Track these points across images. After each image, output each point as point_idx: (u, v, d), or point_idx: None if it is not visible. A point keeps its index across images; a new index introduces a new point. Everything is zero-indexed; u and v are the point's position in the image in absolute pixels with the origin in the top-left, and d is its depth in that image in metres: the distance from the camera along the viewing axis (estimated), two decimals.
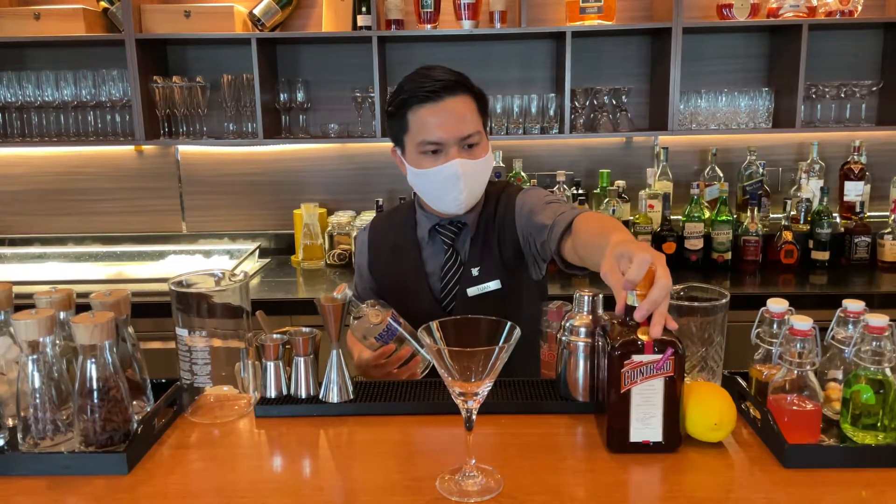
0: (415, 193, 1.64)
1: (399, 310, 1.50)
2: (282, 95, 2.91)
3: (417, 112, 1.45)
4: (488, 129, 1.55)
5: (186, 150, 3.05)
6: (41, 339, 1.10)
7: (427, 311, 1.55)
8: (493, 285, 1.57)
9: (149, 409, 1.25)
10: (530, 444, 1.18)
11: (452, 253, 1.60)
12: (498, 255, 1.58)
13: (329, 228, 2.88)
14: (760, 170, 2.84)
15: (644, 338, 1.09)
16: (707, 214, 2.76)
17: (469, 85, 1.49)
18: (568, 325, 1.29)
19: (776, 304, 1.24)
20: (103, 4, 2.78)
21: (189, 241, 3.08)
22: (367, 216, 2.82)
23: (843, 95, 2.84)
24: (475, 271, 1.57)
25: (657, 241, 2.71)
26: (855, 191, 2.83)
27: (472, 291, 1.56)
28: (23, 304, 1.21)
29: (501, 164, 2.88)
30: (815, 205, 2.75)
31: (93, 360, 1.09)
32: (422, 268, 1.62)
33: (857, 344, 1.12)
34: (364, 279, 1.73)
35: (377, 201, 2.62)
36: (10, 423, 1.19)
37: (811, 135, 2.91)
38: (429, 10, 2.71)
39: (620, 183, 2.88)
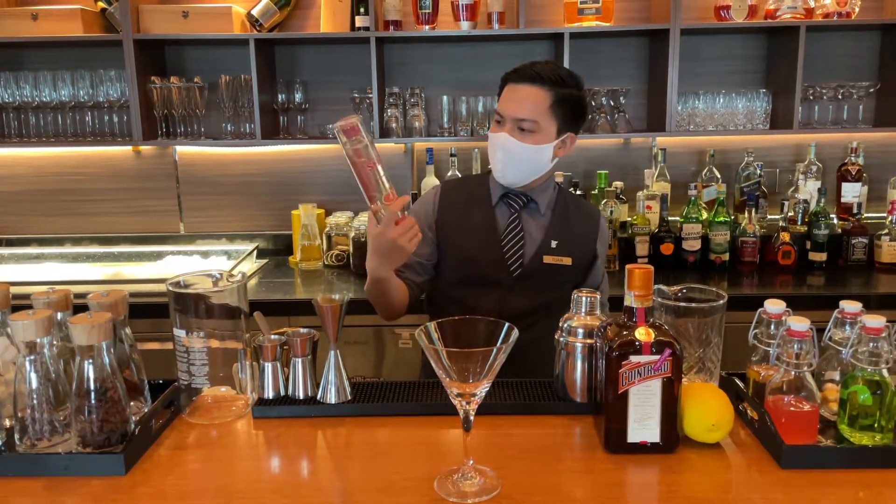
0: None
1: (467, 260, 1.72)
2: (280, 96, 2.91)
3: (507, 87, 1.71)
4: (556, 128, 1.71)
5: (184, 150, 3.05)
6: (38, 340, 1.09)
7: (497, 264, 1.71)
8: (566, 261, 1.76)
9: (146, 410, 1.25)
10: (528, 445, 1.18)
11: (517, 220, 1.76)
12: (575, 240, 1.79)
13: (327, 229, 2.87)
14: (758, 171, 2.84)
15: (642, 339, 1.10)
16: (705, 215, 2.76)
17: (553, 81, 1.66)
18: (566, 326, 1.30)
19: (773, 306, 1.25)
20: (101, 5, 2.78)
21: (187, 241, 3.08)
22: (365, 217, 2.82)
23: (840, 97, 2.84)
24: (554, 243, 1.76)
25: (655, 241, 2.72)
26: (852, 192, 2.84)
27: (547, 259, 1.74)
28: (20, 304, 1.21)
29: None
30: (813, 206, 2.75)
31: (90, 360, 1.09)
32: (492, 223, 1.77)
33: (855, 345, 1.12)
34: (424, 224, 1.76)
35: None
36: (8, 423, 1.19)
37: (809, 136, 2.91)
38: (427, 11, 2.71)
39: (618, 184, 2.88)
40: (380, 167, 1.41)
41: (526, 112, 1.66)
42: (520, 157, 1.69)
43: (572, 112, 1.71)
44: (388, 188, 1.43)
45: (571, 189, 2.85)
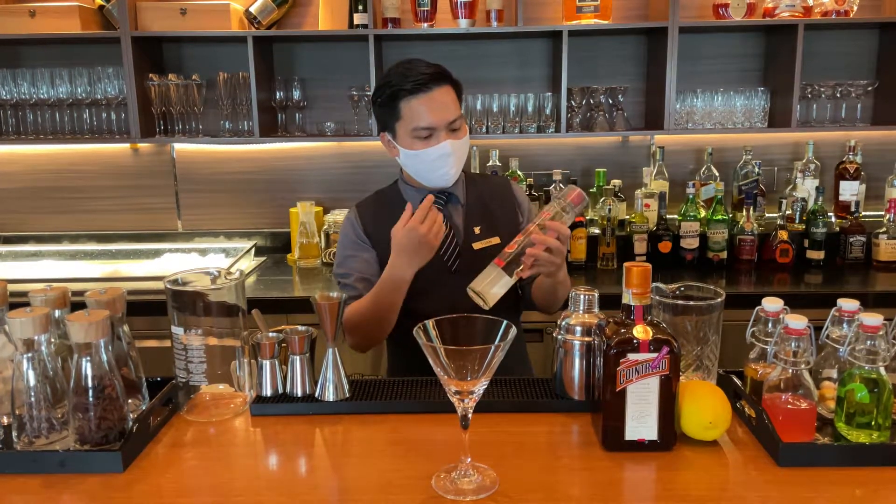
0: (400, 175, 1.82)
1: None
2: (278, 94, 2.90)
3: (409, 102, 1.63)
4: (467, 114, 1.74)
5: (182, 148, 3.04)
6: (36, 338, 1.09)
7: (435, 267, 1.67)
8: (494, 240, 1.75)
9: (144, 408, 1.25)
10: (526, 443, 1.18)
11: (444, 218, 1.71)
12: (496, 217, 1.79)
13: (325, 227, 2.87)
14: (756, 169, 2.84)
15: (640, 336, 1.10)
16: (703, 214, 2.76)
17: (449, 75, 1.67)
18: (563, 323, 1.30)
19: (771, 304, 1.25)
20: (99, 2, 2.77)
21: (185, 239, 3.08)
22: None
23: (838, 95, 2.85)
24: (477, 229, 1.76)
25: (653, 240, 2.72)
26: (850, 190, 2.84)
27: (477, 245, 1.75)
28: (18, 302, 1.20)
29: (498, 163, 2.87)
30: (811, 204, 2.76)
31: (88, 358, 1.09)
32: None
33: (852, 343, 1.12)
34: (363, 260, 1.75)
35: None
36: (5, 421, 1.19)
37: (807, 134, 2.91)
38: (425, 8, 2.71)
39: (616, 182, 2.88)
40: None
41: (454, 111, 1.65)
42: (461, 153, 1.70)
43: (461, 94, 1.72)
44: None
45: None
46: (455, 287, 1.57)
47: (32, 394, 1.11)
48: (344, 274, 1.76)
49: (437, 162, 1.66)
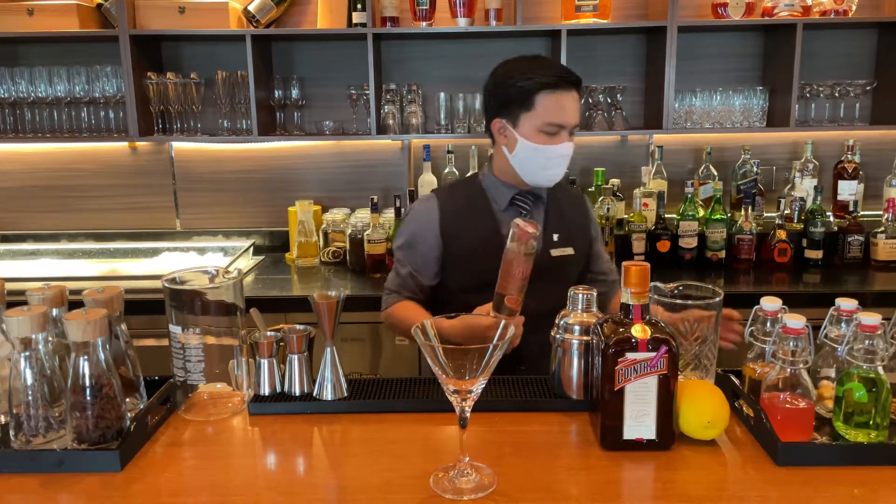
0: (487, 169, 1.82)
1: (476, 271, 1.70)
2: (277, 92, 2.90)
3: (548, 96, 1.64)
4: None
5: (180, 146, 3.04)
6: (34, 336, 1.09)
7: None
8: (570, 251, 1.79)
9: (142, 407, 1.25)
10: (524, 442, 1.18)
11: (530, 218, 1.73)
12: (572, 228, 1.82)
13: (323, 226, 2.87)
14: (755, 169, 2.84)
15: (638, 336, 1.10)
16: (701, 213, 2.76)
17: (581, 82, 1.70)
18: (562, 323, 1.30)
19: (770, 303, 1.25)
20: (97, 0, 2.77)
21: (183, 238, 3.07)
22: (362, 214, 2.82)
23: (837, 95, 2.85)
24: (556, 237, 1.78)
25: (651, 239, 2.72)
26: (848, 190, 2.84)
27: (555, 252, 1.77)
28: (15, 300, 1.20)
29: None
30: (809, 204, 2.76)
31: (85, 357, 1.09)
32: (497, 229, 1.74)
33: (850, 342, 1.12)
34: (430, 246, 1.76)
35: (372, 199, 2.61)
36: (3, 420, 1.18)
37: (805, 134, 2.92)
38: (424, 7, 2.71)
39: (615, 181, 2.88)
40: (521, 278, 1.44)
41: (576, 117, 1.68)
42: (568, 161, 1.73)
43: None
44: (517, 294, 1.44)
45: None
46: None
47: (30, 393, 1.10)
48: (401, 260, 1.81)
49: (554, 161, 1.68)
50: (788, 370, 1.11)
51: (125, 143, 3.01)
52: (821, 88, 2.82)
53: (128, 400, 1.22)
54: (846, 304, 1.20)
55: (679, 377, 1.18)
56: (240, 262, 2.76)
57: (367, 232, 2.63)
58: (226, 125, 2.89)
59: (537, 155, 1.68)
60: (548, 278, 1.69)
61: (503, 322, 1.06)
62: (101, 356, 1.10)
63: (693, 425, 1.15)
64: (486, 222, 1.76)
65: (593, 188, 2.86)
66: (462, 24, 2.71)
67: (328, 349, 1.32)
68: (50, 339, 1.14)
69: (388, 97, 2.82)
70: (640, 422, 1.12)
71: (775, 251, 2.66)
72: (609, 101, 2.87)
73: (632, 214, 2.76)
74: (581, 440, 1.19)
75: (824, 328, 1.22)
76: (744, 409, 1.23)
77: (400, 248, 1.81)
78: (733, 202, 2.92)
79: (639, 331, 1.10)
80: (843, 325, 1.19)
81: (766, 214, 2.90)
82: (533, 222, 1.41)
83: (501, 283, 1.42)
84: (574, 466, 1.11)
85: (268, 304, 2.38)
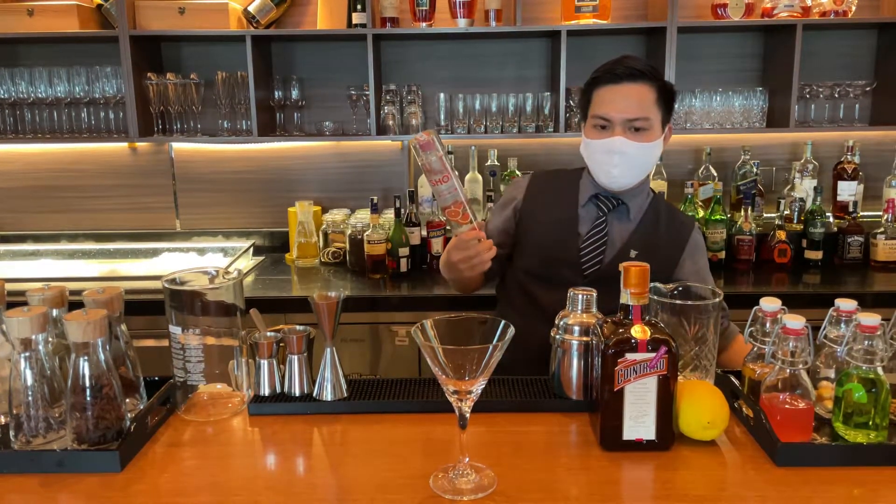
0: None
1: (542, 256, 1.71)
2: (276, 93, 2.90)
3: (599, 90, 1.66)
4: (661, 121, 1.68)
5: (180, 147, 3.04)
6: (34, 337, 1.09)
7: (571, 266, 1.68)
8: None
9: (142, 407, 1.25)
10: (524, 443, 1.18)
11: (604, 224, 1.72)
12: (657, 251, 1.69)
13: (323, 226, 2.87)
14: (754, 169, 2.84)
15: (638, 336, 1.10)
16: (701, 213, 2.76)
17: (655, 76, 1.64)
18: (562, 323, 1.30)
19: (769, 303, 1.25)
20: (97, 1, 2.77)
21: (183, 238, 3.07)
22: (362, 214, 2.82)
23: (836, 95, 2.85)
24: (633, 253, 1.69)
25: None
26: (848, 190, 2.84)
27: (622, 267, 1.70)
28: (15, 301, 1.20)
29: (496, 163, 2.88)
30: (809, 204, 2.76)
31: (85, 357, 1.09)
32: (574, 224, 1.73)
33: (850, 343, 1.12)
34: (502, 217, 1.82)
35: (372, 199, 2.61)
36: (3, 420, 1.18)
37: (805, 134, 2.92)
38: (424, 8, 2.71)
39: None
40: (456, 181, 1.45)
41: (637, 111, 1.62)
42: (636, 158, 1.64)
43: (670, 103, 1.69)
44: (464, 203, 1.46)
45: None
46: None
47: (30, 393, 1.10)
48: (487, 221, 1.85)
49: (603, 157, 1.65)
50: (788, 371, 1.12)
51: (125, 144, 3.01)
52: (820, 89, 2.83)
53: (128, 400, 1.23)
54: (846, 304, 1.20)
55: (679, 378, 1.18)
56: (240, 262, 2.76)
57: (366, 232, 2.63)
58: (226, 126, 2.90)
59: (589, 150, 1.69)
60: (608, 288, 1.55)
61: (503, 322, 1.06)
62: (101, 357, 1.10)
63: (693, 426, 1.15)
64: (564, 211, 1.75)
65: None
66: (462, 24, 2.71)
67: (328, 350, 1.32)
68: (50, 339, 1.14)
69: (388, 98, 2.82)
70: (639, 422, 1.12)
71: (775, 252, 2.66)
72: None
73: None
74: (581, 440, 1.19)
75: (824, 329, 1.22)
76: (743, 409, 1.23)
77: (495, 210, 1.88)
78: (733, 203, 2.92)
79: (638, 331, 1.10)
80: (842, 325, 1.19)
81: (765, 215, 2.90)
82: (426, 131, 1.43)
83: (440, 206, 1.48)
84: (574, 467, 1.11)
85: (268, 304, 2.38)
